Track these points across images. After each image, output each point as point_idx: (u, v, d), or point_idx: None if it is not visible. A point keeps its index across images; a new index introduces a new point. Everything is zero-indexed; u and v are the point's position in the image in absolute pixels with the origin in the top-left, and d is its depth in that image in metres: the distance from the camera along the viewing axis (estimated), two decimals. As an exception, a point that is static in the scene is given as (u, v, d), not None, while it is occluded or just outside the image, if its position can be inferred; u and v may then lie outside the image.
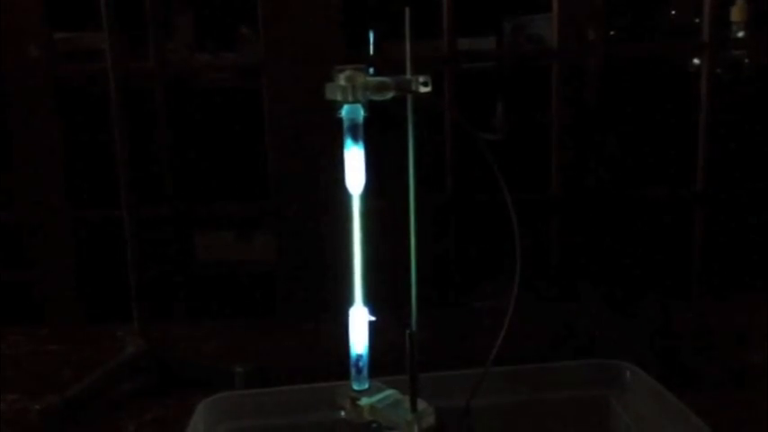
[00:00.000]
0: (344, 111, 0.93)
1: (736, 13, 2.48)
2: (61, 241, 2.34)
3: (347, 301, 1.00)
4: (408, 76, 0.93)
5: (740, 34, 2.48)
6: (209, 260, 2.56)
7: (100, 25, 1.67)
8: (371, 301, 0.99)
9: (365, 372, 1.00)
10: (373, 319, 1.00)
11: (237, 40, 2.62)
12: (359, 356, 1.00)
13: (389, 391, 1.00)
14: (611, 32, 2.47)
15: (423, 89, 0.93)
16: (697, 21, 2.40)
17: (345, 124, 0.94)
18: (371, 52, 2.29)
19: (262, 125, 2.29)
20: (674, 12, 2.65)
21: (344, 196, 0.97)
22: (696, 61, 2.47)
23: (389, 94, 0.93)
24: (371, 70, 0.93)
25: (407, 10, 0.90)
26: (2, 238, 2.33)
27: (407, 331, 0.96)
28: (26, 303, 2.34)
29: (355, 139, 0.94)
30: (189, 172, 2.40)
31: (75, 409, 1.60)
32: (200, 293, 2.42)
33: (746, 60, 2.52)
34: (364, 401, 0.98)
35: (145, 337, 1.71)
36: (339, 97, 0.92)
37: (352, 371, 1.00)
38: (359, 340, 1.00)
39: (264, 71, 2.27)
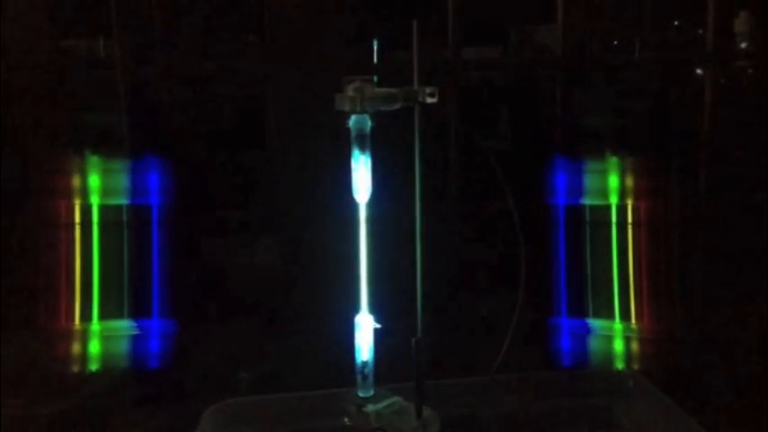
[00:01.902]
0: (352, 121, 0.94)
1: (739, 24, 2.49)
2: (65, 243, 2.34)
3: (352, 308, 1.01)
4: (415, 86, 0.95)
5: (743, 45, 2.49)
6: (213, 264, 2.56)
7: (108, 33, 1.68)
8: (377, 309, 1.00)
9: (370, 378, 1.01)
10: (378, 326, 1.00)
11: (243, 47, 2.64)
12: (364, 363, 1.01)
13: (394, 398, 1.00)
14: (615, 42, 2.48)
15: (429, 100, 0.94)
16: (701, 31, 2.42)
17: (353, 134, 0.95)
18: (376, 61, 2.31)
19: (266, 131, 2.30)
20: (676, 22, 2.66)
21: (349, 203, 0.98)
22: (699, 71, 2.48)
23: (397, 105, 0.94)
24: (375, 79, 0.95)
25: (415, 23, 0.91)
26: (5, 240, 2.34)
27: (414, 339, 0.97)
28: (29, 306, 2.34)
29: (362, 149, 0.95)
30: (195, 176, 2.40)
31: (81, 415, 1.60)
32: (203, 297, 2.42)
33: (750, 71, 2.53)
34: (370, 408, 0.99)
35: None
36: (347, 108, 0.93)
37: (358, 377, 1.01)
38: (364, 347, 1.01)
39: (270, 78, 2.28)
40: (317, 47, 2.20)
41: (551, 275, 2.02)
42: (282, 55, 2.25)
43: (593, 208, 2.04)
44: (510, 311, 1.01)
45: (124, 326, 2.02)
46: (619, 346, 1.94)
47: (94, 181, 2.12)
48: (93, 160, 2.12)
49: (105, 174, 2.12)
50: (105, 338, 2.01)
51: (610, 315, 1.98)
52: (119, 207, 2.12)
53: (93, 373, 1.77)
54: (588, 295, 2.00)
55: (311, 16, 2.23)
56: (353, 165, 0.96)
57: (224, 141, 2.49)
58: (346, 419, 1.01)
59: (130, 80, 2.25)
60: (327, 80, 0.97)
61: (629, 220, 2.02)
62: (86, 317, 2.21)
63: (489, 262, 2.30)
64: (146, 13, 2.27)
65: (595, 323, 1.98)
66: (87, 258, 2.13)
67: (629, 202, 2.03)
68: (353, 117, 0.94)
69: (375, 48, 2.34)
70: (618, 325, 1.96)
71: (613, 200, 2.03)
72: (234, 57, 2.56)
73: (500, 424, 1.10)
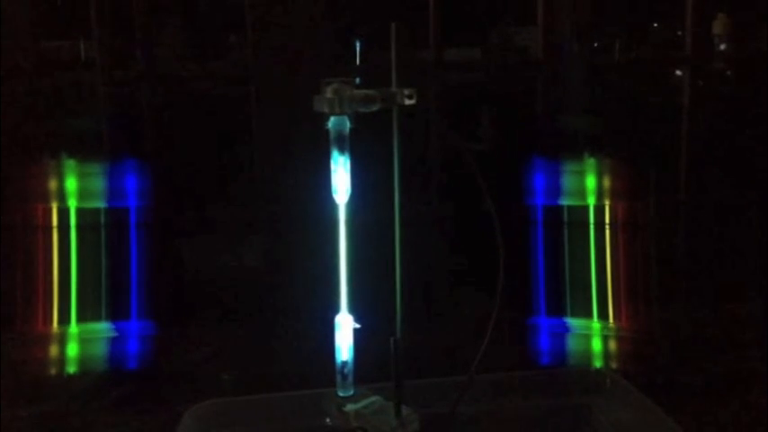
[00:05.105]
0: (331, 122, 0.95)
1: (718, 27, 2.51)
2: (47, 245, 2.33)
3: (332, 308, 1.01)
4: (394, 88, 0.95)
5: (722, 47, 2.52)
6: (196, 266, 2.55)
7: (89, 34, 1.67)
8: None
9: (350, 378, 1.01)
10: (358, 326, 1.01)
11: (226, 47, 2.63)
12: (344, 363, 1.01)
13: (374, 398, 1.01)
14: (596, 44, 2.50)
15: (408, 102, 0.95)
16: (680, 33, 2.44)
17: (332, 135, 0.95)
18: (358, 62, 2.31)
19: (250, 132, 2.30)
20: (656, 24, 2.69)
21: (330, 205, 0.98)
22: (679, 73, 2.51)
23: (375, 107, 0.95)
24: (357, 80, 0.95)
25: (393, 25, 0.92)
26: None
27: (392, 338, 0.98)
28: (6, 309, 2.32)
29: (341, 150, 0.96)
30: (178, 178, 2.40)
31: (63, 417, 1.60)
32: (188, 299, 2.42)
33: (728, 72, 2.56)
34: (350, 408, 0.99)
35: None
36: (326, 109, 0.93)
37: (338, 377, 1.02)
38: (344, 347, 1.01)
39: (252, 79, 2.28)
40: (300, 47, 2.21)
41: (530, 275, 2.03)
42: (265, 56, 2.25)
43: (571, 208, 2.06)
44: (489, 311, 1.02)
45: (102, 328, 2.00)
46: (597, 345, 1.95)
47: (72, 184, 2.10)
48: (71, 163, 2.11)
49: (83, 177, 2.10)
50: (83, 341, 2.00)
51: (588, 314, 1.99)
52: (96, 210, 2.11)
53: (71, 376, 1.76)
54: (566, 294, 2.01)
55: (294, 17, 2.23)
56: (333, 166, 0.97)
57: (204, 143, 2.49)
58: (327, 419, 1.01)
59: (110, 81, 2.25)
60: (309, 81, 0.97)
61: (607, 220, 2.04)
62: (64, 319, 2.20)
63: (468, 262, 2.31)
64: (126, 14, 2.26)
65: (573, 322, 1.99)
66: (65, 262, 2.12)
67: (607, 203, 2.04)
68: (332, 118, 0.94)
69: (357, 49, 2.35)
70: (596, 324, 1.98)
71: (591, 201, 2.05)
72: (216, 58, 2.55)
73: (479, 423, 1.11)
